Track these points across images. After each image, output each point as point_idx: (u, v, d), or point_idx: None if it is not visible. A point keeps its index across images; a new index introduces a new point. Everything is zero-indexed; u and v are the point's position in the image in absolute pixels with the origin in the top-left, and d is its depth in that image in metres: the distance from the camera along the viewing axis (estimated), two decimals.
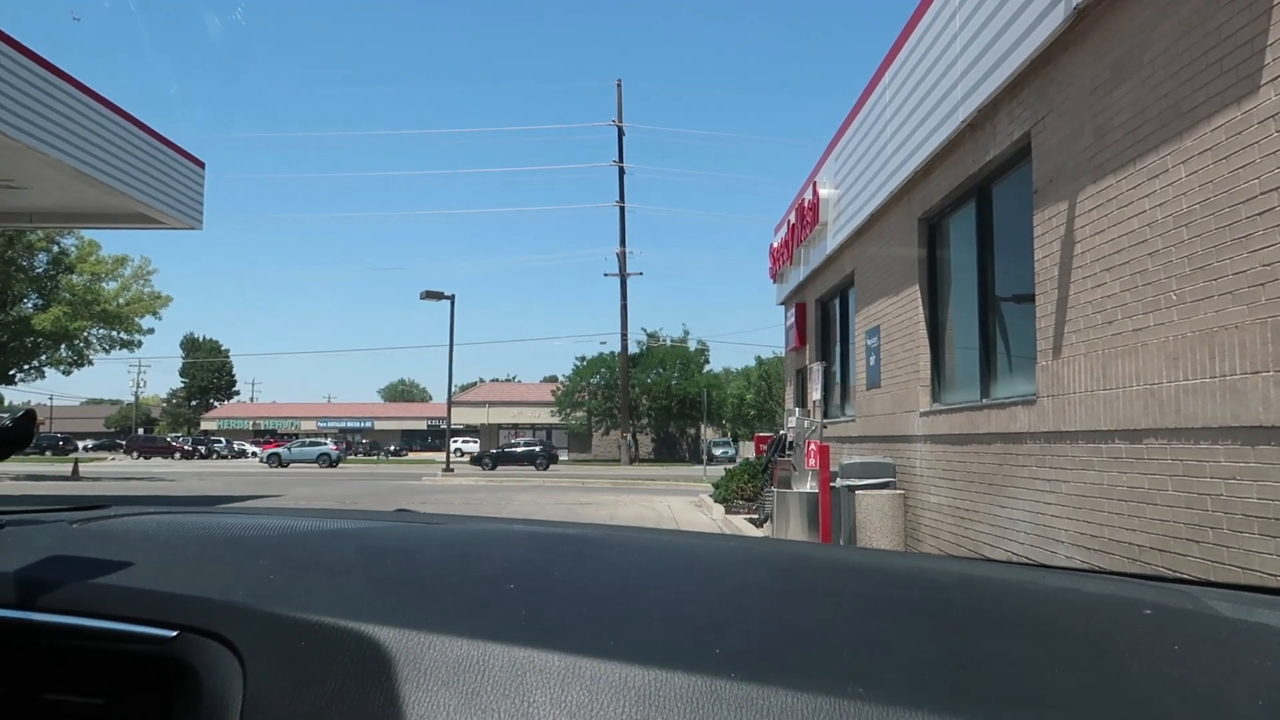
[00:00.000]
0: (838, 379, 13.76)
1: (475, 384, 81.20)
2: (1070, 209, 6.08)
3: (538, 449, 45.24)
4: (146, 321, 37.82)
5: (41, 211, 15.58)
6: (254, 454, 65.42)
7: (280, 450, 47.42)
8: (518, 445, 47.20)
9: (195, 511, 1.22)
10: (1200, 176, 4.70)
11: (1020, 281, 7.16)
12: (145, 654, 0.72)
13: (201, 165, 15.55)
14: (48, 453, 61.33)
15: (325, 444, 49.46)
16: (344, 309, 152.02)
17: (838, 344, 13.89)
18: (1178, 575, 4.79)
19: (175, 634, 0.71)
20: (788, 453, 10.99)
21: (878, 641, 0.70)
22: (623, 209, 51.92)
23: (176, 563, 0.88)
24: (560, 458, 61.42)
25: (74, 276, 35.12)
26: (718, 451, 48.60)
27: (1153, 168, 5.13)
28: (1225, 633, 0.79)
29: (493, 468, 42.01)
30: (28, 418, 0.90)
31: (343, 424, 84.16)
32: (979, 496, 7.62)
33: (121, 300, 36.49)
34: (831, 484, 9.49)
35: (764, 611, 0.79)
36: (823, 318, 14.94)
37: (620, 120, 52.05)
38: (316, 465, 44.01)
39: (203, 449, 64.45)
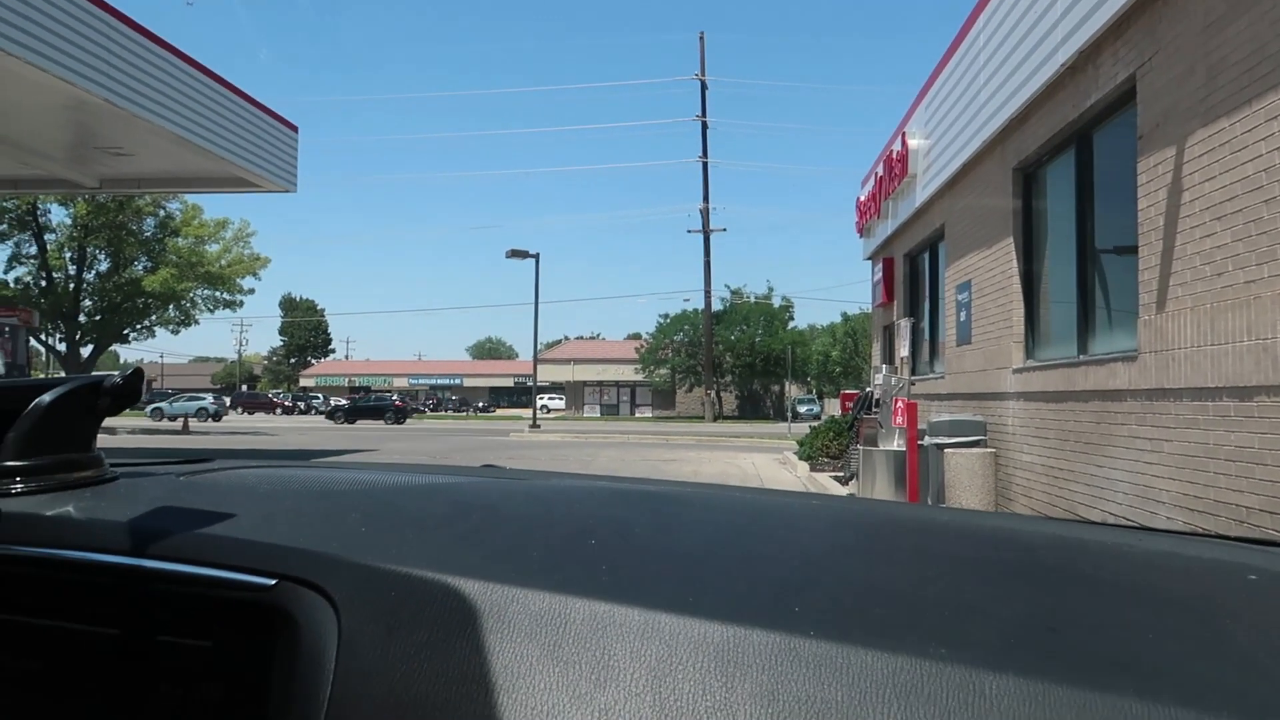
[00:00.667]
0: (926, 335, 13.46)
1: (560, 342, 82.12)
2: (1178, 154, 5.78)
3: (388, 402, 48.08)
4: (247, 282, 39.31)
5: (148, 177, 16.23)
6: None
7: (161, 405, 48.91)
8: (370, 399, 50.17)
9: (294, 465, 1.27)
10: None
11: (1122, 232, 6.86)
12: (247, 601, 0.75)
13: (295, 129, 15.95)
14: (119, 412, 64.65)
15: (204, 399, 50.95)
16: (434, 268, 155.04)
17: (926, 299, 13.57)
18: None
19: (275, 582, 0.74)
20: (874, 410, 10.84)
21: (963, 602, 0.69)
22: (706, 164, 51.41)
23: (276, 514, 0.91)
24: (639, 413, 61.88)
25: (179, 239, 36.62)
26: (802, 409, 48.15)
27: (1271, 108, 4.83)
28: None
29: (349, 421, 45.67)
30: (136, 375, 0.95)
31: (433, 381, 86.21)
32: (1074, 456, 7.39)
33: (224, 262, 37.92)
34: (919, 442, 9.33)
35: (846, 571, 0.79)
36: (911, 273, 14.59)
37: (703, 74, 51.35)
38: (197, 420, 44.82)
39: (302, 405, 66.87)
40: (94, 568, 0.81)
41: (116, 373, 0.97)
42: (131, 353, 72.93)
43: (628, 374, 64.04)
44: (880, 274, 15.92)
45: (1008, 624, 0.65)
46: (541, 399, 64.59)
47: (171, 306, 37.89)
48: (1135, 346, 6.33)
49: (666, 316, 59.16)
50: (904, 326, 11.21)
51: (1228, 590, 0.77)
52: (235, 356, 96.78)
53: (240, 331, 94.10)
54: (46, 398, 0.93)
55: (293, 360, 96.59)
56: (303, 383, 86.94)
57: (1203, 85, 5.51)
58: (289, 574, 0.74)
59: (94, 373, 1.02)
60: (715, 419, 49.70)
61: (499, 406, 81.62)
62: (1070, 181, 7.93)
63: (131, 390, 0.95)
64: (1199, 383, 5.44)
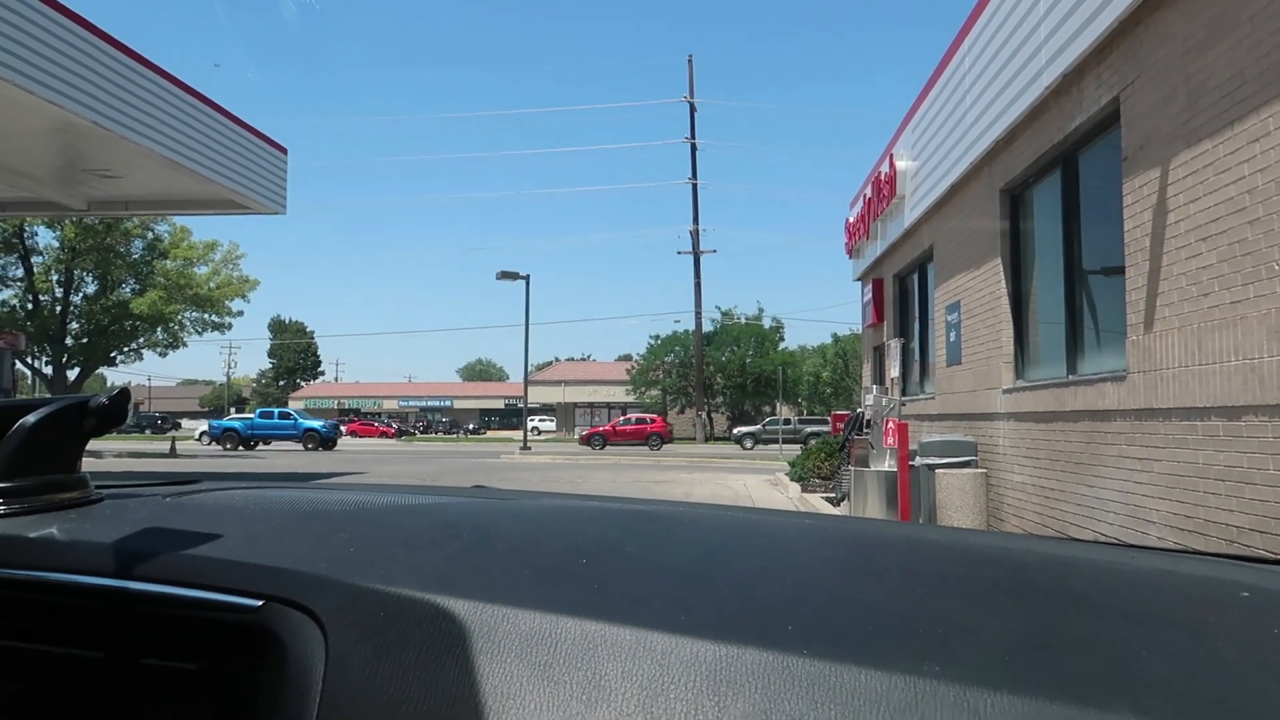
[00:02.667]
0: (916, 356, 13.51)
1: (551, 363, 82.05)
2: (1162, 176, 5.84)
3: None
4: (236, 304, 39.24)
5: (136, 199, 16.21)
6: (340, 432, 67.21)
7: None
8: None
9: (281, 486, 1.27)
10: None
11: (1108, 253, 6.91)
12: (233, 622, 0.75)
13: (284, 151, 15.96)
14: (147, 431, 64.14)
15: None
16: (424, 290, 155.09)
17: (916, 320, 13.63)
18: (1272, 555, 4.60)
19: (261, 603, 0.73)
20: (865, 431, 10.84)
21: (955, 620, 0.69)
22: (695, 186, 51.65)
23: (262, 535, 0.91)
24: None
25: (167, 262, 36.55)
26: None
27: (1253, 130, 4.88)
28: None
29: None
30: (122, 396, 0.95)
31: (423, 403, 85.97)
32: (1065, 476, 7.41)
33: (212, 284, 37.86)
34: (910, 462, 9.34)
35: (839, 589, 0.78)
36: (901, 293, 14.66)
37: (692, 96, 51.68)
38: None
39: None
40: (79, 590, 0.80)
41: (104, 395, 0.97)
42: (119, 375, 72.57)
43: (619, 395, 64.02)
44: (870, 295, 15.98)
45: (1000, 642, 0.65)
46: (532, 421, 64.43)
47: (159, 329, 37.76)
48: (1124, 367, 6.37)
49: (657, 338, 59.26)
50: (894, 347, 11.24)
51: (1221, 608, 0.77)
52: (224, 379, 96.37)
53: (229, 354, 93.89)
54: (31, 418, 0.92)
55: (281, 383, 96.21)
56: (292, 405, 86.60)
57: (1185, 108, 5.57)
58: (275, 595, 0.73)
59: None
60: (707, 440, 49.66)
61: (490, 428, 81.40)
62: (1057, 203, 7.99)
63: (118, 411, 0.95)
64: (1187, 402, 5.46)
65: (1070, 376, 7.54)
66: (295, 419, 41.20)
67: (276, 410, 42.96)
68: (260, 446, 39.86)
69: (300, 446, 39.13)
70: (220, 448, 39.11)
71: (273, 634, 0.71)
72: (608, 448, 40.74)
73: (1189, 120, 5.53)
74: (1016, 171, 8.63)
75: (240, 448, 39.00)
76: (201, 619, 0.76)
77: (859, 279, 17.23)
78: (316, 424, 41.03)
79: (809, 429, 40.72)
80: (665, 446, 41.51)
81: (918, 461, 9.49)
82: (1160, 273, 5.88)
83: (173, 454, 31.76)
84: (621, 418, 43.42)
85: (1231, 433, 5.05)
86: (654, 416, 44.72)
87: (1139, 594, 0.82)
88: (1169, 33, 5.77)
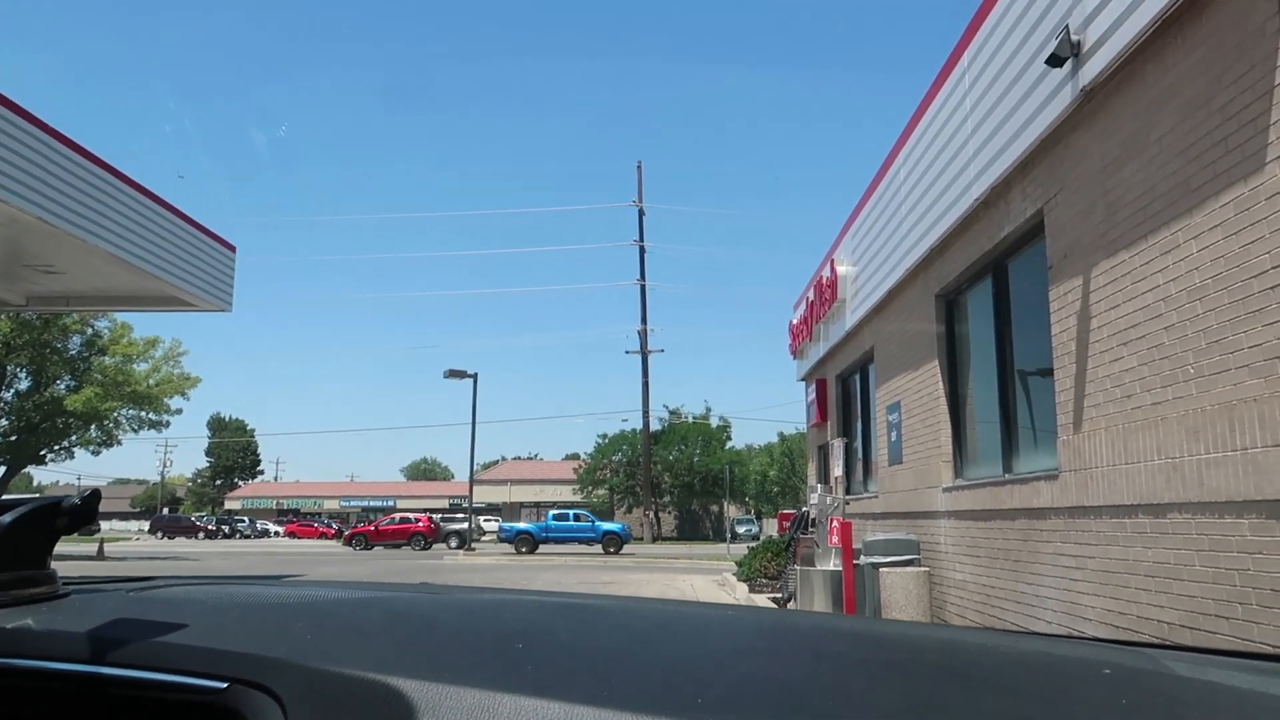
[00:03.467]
0: (860, 455, 13.70)
1: (497, 462, 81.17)
2: (1085, 284, 6.15)
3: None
4: (175, 402, 38.46)
5: (78, 295, 15.98)
6: (276, 533, 65.41)
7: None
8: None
9: (239, 581, 1.32)
10: (1211, 252, 4.76)
11: (1039, 356, 7.19)
12: (200, 703, 0.80)
13: (233, 249, 15.96)
14: (75, 532, 61.61)
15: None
16: (369, 388, 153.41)
17: (859, 420, 13.87)
18: (1152, 641, 4.72)
19: (226, 685, 0.79)
20: (811, 530, 10.90)
21: (848, 692, 0.77)
22: (644, 287, 52.48)
23: (226, 624, 0.96)
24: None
25: (106, 358, 35.81)
26: (741, 529, 48.00)
27: (1164, 243, 5.20)
28: (1176, 689, 0.85)
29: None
30: (94, 497, 1.00)
31: (365, 503, 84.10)
32: (1004, 574, 7.52)
33: (152, 381, 37.10)
34: (855, 561, 9.39)
35: (748, 667, 0.86)
36: (843, 393, 14.95)
37: (640, 201, 52.98)
38: None
39: (226, 529, 64.52)
40: (52, 676, 0.85)
41: (75, 495, 1.02)
42: (47, 474, 70.06)
43: (566, 495, 63.36)
44: (814, 394, 16.26)
45: (884, 711, 0.73)
46: (477, 521, 63.34)
47: (94, 427, 36.75)
48: (1056, 465, 6.56)
49: (605, 436, 59.23)
50: (837, 446, 11.42)
51: (1082, 683, 0.86)
52: (158, 478, 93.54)
53: (165, 452, 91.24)
54: (7, 518, 0.97)
55: (218, 482, 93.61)
56: (228, 505, 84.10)
57: (1104, 220, 5.92)
58: (239, 677, 0.78)
59: (48, 494, 1.08)
60: (654, 540, 49.21)
61: None
62: (989, 307, 8.32)
63: (89, 511, 1.00)
64: (1116, 500, 5.64)
65: (1006, 475, 7.73)
66: (593, 521, 39.20)
67: (571, 512, 40.32)
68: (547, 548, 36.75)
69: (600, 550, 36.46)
70: (514, 550, 35.83)
71: (237, 713, 0.77)
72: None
73: (1108, 232, 5.87)
74: (950, 278, 8.99)
75: (531, 551, 35.96)
76: (170, 700, 0.81)
77: (803, 379, 17.54)
78: (616, 526, 39.07)
79: (741, 528, 40.94)
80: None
81: (862, 560, 9.55)
82: (1086, 375, 6.13)
83: (100, 556, 30.51)
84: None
85: (1158, 530, 5.22)
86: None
87: (1015, 671, 0.91)
88: (1087, 151, 6.16)
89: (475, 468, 40.65)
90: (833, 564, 9.63)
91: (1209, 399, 4.75)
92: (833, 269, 13.28)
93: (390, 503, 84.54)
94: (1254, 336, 4.41)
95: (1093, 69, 5.71)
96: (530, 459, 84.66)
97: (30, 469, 42.70)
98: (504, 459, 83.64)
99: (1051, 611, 6.62)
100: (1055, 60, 6.00)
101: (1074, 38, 5.84)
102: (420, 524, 42.22)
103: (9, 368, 35.01)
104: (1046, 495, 6.67)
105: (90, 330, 35.65)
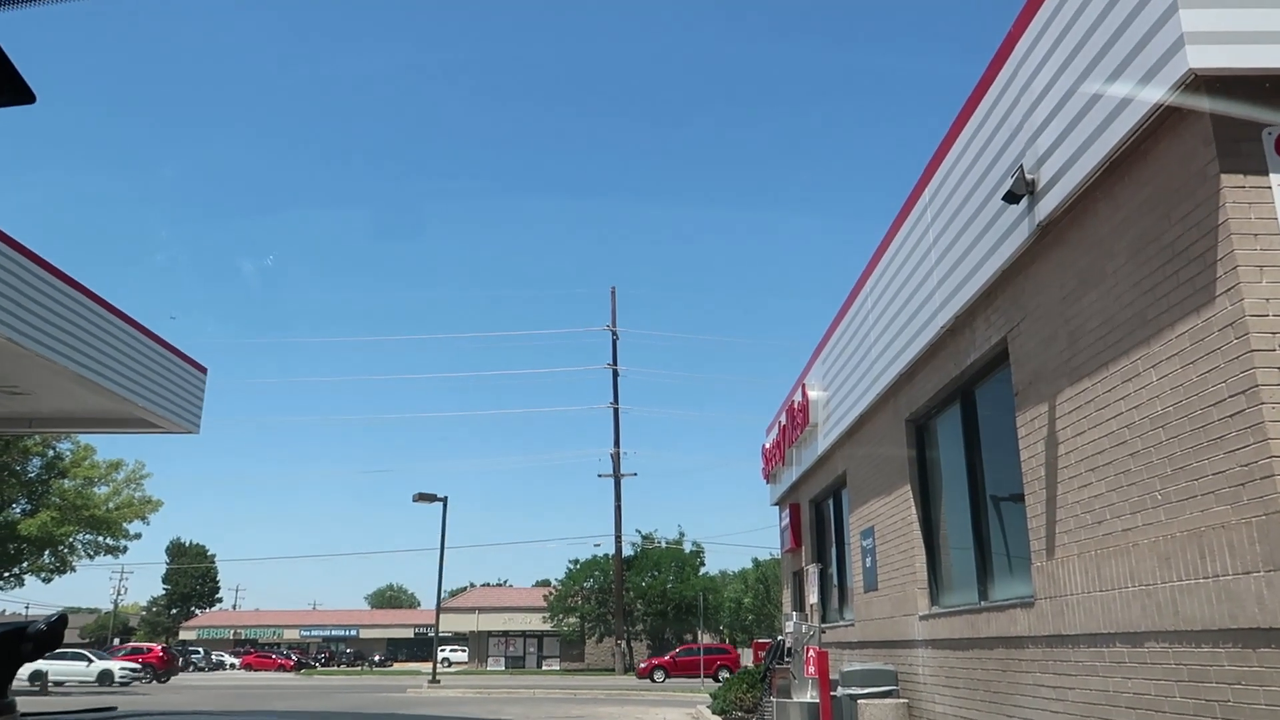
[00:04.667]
0: (835, 581, 13.52)
1: (465, 589, 79.01)
2: (1051, 410, 6.25)
3: None
4: (134, 526, 37.35)
5: (42, 416, 15.73)
6: (232, 665, 62.73)
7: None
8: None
9: (198, 714, 1.27)
10: (1170, 380, 4.88)
11: (1009, 481, 7.23)
12: None
13: (203, 370, 15.89)
14: (39, 659, 58.81)
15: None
16: (333, 512, 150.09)
17: (833, 545, 13.75)
18: None
19: None
20: (786, 659, 10.65)
21: None
22: (617, 410, 52.49)
23: None
24: (546, 665, 58.86)
25: (66, 481, 34.94)
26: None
27: (1125, 371, 5.33)
28: None
29: None
30: (60, 622, 0.98)
31: (327, 632, 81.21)
32: (984, 705, 7.35)
33: (111, 505, 36.13)
34: (833, 693, 9.15)
35: None
36: (817, 518, 14.86)
37: (614, 325, 53.58)
38: None
39: (180, 660, 61.81)
40: None
41: (40, 619, 0.99)
42: None
43: (535, 623, 61.57)
44: (788, 519, 16.15)
45: None
46: (443, 650, 61.12)
47: (48, 552, 35.50)
48: (1032, 592, 6.51)
49: (576, 562, 57.96)
50: (812, 573, 11.28)
51: None
52: (110, 606, 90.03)
53: (120, 579, 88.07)
54: None
55: (174, 610, 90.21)
56: (183, 635, 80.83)
57: (1066, 348, 6.07)
58: None
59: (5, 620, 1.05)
60: (626, 670, 47.63)
61: (397, 659, 76.82)
62: (959, 432, 8.41)
63: (55, 636, 0.97)
64: (1093, 628, 5.58)
65: (982, 602, 7.65)
66: None
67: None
68: None
69: None
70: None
71: None
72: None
73: (1071, 359, 6.01)
74: (920, 403, 9.11)
75: None
76: None
77: (776, 503, 17.45)
78: None
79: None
80: (579, 677, 39.50)
81: (840, 692, 9.31)
82: (1057, 501, 6.16)
83: (45, 691, 29.04)
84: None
85: (1136, 659, 5.16)
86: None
87: None
88: (1047, 282, 6.37)
89: (442, 595, 39.55)
90: (810, 695, 9.38)
91: (1178, 525, 4.78)
92: (804, 393, 13.41)
93: (354, 632, 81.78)
94: (1217, 464, 4.48)
95: (1048, 205, 5.96)
96: (499, 585, 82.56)
97: None
98: (472, 585, 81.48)
99: None
100: (1012, 197, 6.27)
101: (1029, 176, 6.12)
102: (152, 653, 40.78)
103: None
104: (1023, 623, 6.59)
105: (52, 452, 34.87)
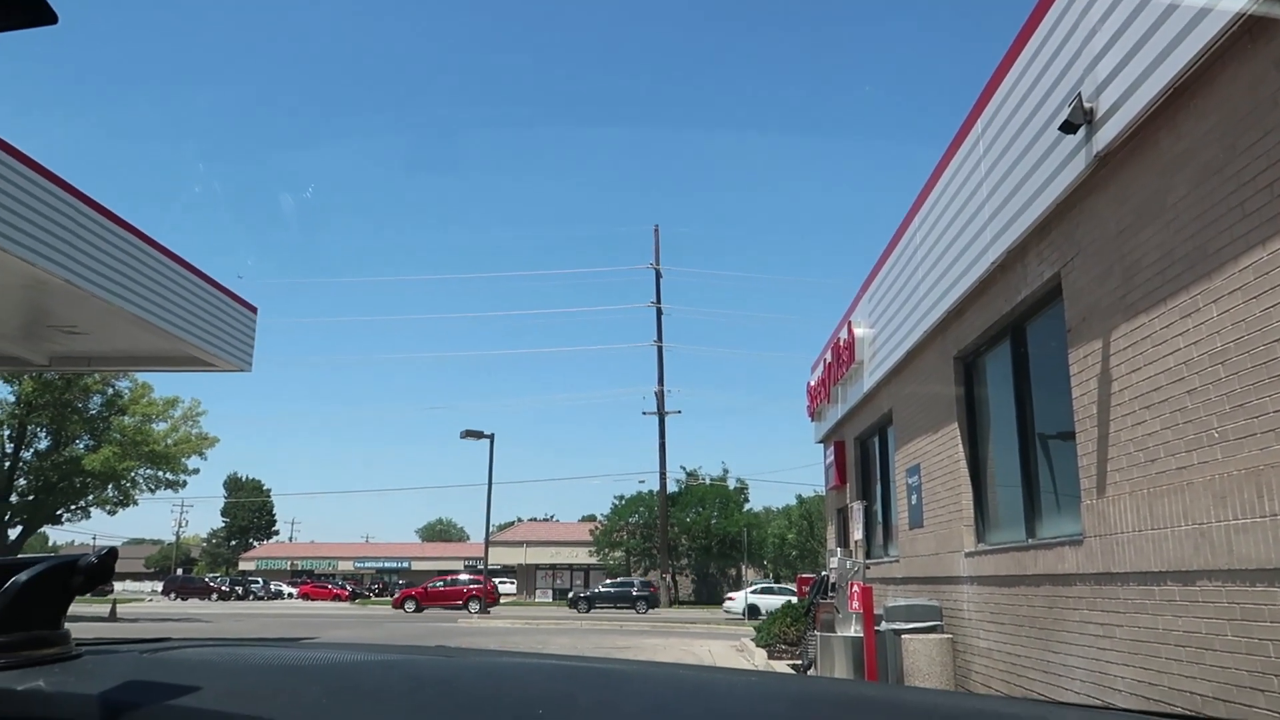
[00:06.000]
0: (880, 518, 13.54)
1: (513, 523, 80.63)
2: (1105, 347, 6.12)
3: None
4: (193, 462, 38.56)
5: (100, 355, 16.18)
6: (290, 594, 64.97)
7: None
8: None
9: (254, 644, 1.30)
10: (1232, 315, 4.73)
11: (1060, 419, 7.13)
12: None
13: (254, 310, 16.17)
14: (90, 592, 61.46)
15: None
16: (386, 449, 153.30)
17: (878, 482, 13.74)
18: (1186, 713, 4.59)
19: None
20: (830, 595, 10.73)
21: None
22: (660, 348, 52.60)
23: (238, 688, 0.95)
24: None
25: (125, 418, 36.04)
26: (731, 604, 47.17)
27: (1184, 307, 5.18)
28: None
29: None
30: (110, 555, 1.00)
31: (380, 564, 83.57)
32: (1030, 641, 7.36)
33: (170, 441, 37.26)
34: (876, 627, 9.22)
35: None
36: (862, 456, 14.83)
37: (658, 263, 53.40)
38: None
39: (239, 589, 64.16)
40: None
41: (91, 552, 1.01)
42: (63, 534, 70.18)
43: (582, 557, 62.77)
44: (832, 457, 16.14)
45: None
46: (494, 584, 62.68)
47: (111, 486, 36.84)
48: (1080, 531, 6.45)
49: (622, 498, 58.75)
50: (857, 510, 11.30)
51: None
52: (172, 538, 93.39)
53: (180, 512, 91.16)
54: (23, 576, 0.96)
55: (233, 542, 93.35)
56: (242, 566, 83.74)
57: (1121, 284, 5.91)
58: None
59: (63, 553, 1.08)
60: (671, 604, 48.51)
61: None
62: (1008, 370, 8.28)
63: (105, 570, 0.99)
64: (1143, 567, 5.53)
65: (1030, 540, 7.60)
66: None
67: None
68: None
69: None
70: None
71: None
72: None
73: (1126, 295, 5.85)
74: (968, 340, 8.97)
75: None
76: None
77: (821, 441, 17.43)
78: None
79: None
80: (619, 611, 40.39)
81: (883, 626, 9.37)
82: (1109, 439, 6.06)
83: (113, 618, 30.35)
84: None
85: (1187, 598, 5.10)
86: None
87: None
88: (1102, 216, 6.18)
89: (491, 529, 40.39)
90: (853, 630, 9.46)
91: (1235, 464, 4.68)
92: (850, 331, 13.28)
93: (406, 564, 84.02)
94: (1278, 401, 4.36)
95: (1106, 135, 5.76)
96: (546, 520, 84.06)
97: (46, 529, 42.77)
98: (520, 520, 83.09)
99: (1079, 681, 6.45)
100: (1069, 127, 6.06)
101: (1087, 105, 5.90)
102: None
103: (30, 428, 35.28)
104: (1071, 561, 6.55)
105: (111, 390, 35.96)
